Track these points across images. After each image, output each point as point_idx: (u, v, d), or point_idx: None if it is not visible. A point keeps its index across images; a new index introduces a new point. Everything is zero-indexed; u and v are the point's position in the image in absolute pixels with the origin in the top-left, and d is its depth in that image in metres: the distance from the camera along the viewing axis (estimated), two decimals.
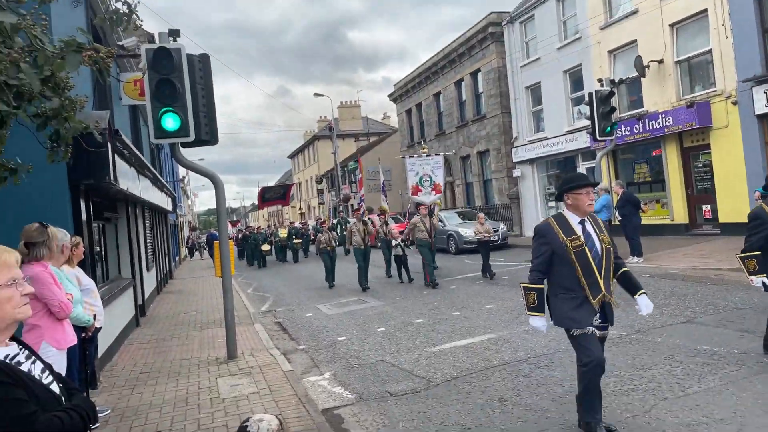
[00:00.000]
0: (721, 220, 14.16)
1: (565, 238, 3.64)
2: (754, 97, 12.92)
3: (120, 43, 9.72)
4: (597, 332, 3.67)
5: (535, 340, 6.41)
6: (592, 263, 3.61)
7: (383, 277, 13.90)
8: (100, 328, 5.17)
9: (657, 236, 14.90)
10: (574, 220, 3.71)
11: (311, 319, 9.43)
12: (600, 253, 3.65)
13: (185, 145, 6.68)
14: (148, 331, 9.41)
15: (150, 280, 13.19)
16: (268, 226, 28.52)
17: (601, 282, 3.63)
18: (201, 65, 6.61)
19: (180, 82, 6.28)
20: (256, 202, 29.82)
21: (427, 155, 14.89)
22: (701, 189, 15.05)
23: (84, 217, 6.47)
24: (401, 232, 13.78)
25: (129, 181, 8.11)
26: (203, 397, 5.33)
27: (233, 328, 6.76)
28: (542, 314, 3.83)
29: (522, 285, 3.96)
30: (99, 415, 4.92)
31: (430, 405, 4.72)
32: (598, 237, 3.69)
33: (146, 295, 11.66)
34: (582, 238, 3.63)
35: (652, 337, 5.99)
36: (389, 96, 35.38)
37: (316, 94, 37.99)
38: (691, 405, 4.11)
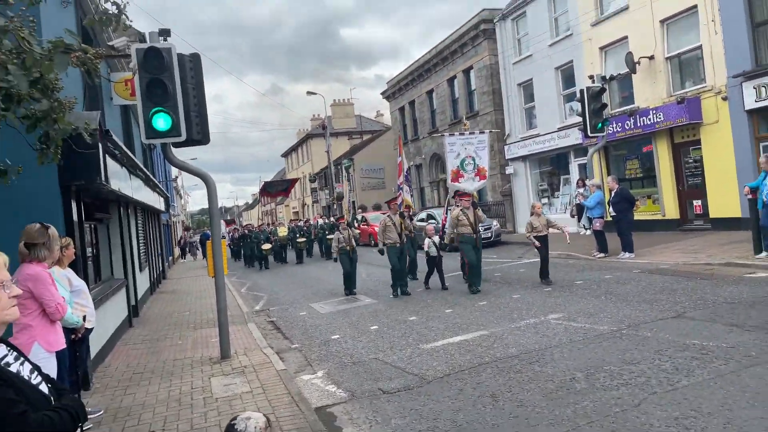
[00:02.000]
0: (712, 215, 14.27)
1: None
2: (744, 93, 13.01)
3: (110, 43, 9.69)
4: None
5: (526, 336, 6.46)
6: None
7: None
8: (92, 329, 5.17)
9: (648, 232, 14.99)
10: None
11: (305, 317, 9.45)
12: None
13: (177, 145, 6.68)
14: (141, 331, 9.40)
15: (143, 281, 13.16)
16: (268, 225, 26.44)
17: None
18: (192, 64, 6.61)
19: (171, 81, 6.28)
20: (258, 196, 29.19)
21: (470, 133, 11.85)
22: (692, 184, 15.16)
23: (75, 217, 6.45)
24: (437, 229, 12.31)
25: (120, 181, 8.09)
26: (196, 396, 5.34)
27: (226, 327, 6.77)
28: None
29: None
30: (92, 416, 4.93)
31: (423, 402, 4.75)
32: None
33: (139, 296, 11.64)
34: None
35: (643, 332, 6.05)
36: (382, 94, 35.40)
37: (309, 93, 38.02)
38: (680, 399, 4.16)
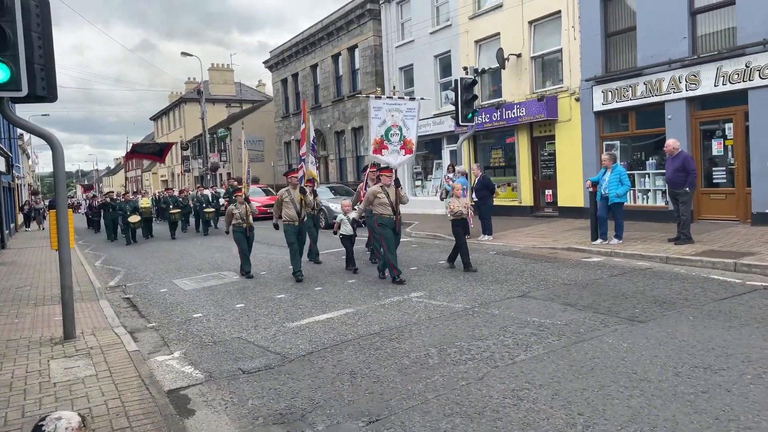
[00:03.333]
0: (560, 204, 15.82)
1: None
2: (594, 96, 14.48)
3: None
4: None
5: (389, 314, 6.72)
6: None
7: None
8: None
9: (506, 216, 16.26)
10: None
11: (165, 294, 8.96)
12: None
13: (17, 100, 5.92)
14: None
15: None
16: (135, 193, 23.05)
17: None
18: (39, 10, 5.84)
19: (11, 28, 5.52)
20: (124, 160, 26.06)
21: (399, 97, 10.16)
22: (545, 175, 16.64)
23: None
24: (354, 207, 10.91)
25: None
26: (31, 381, 4.86)
27: (71, 304, 6.20)
28: None
29: None
30: None
31: (282, 381, 4.76)
32: None
33: None
34: None
35: (492, 309, 6.57)
36: (265, 63, 34.16)
37: (184, 53, 35.40)
38: (517, 372, 4.60)
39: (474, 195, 12.92)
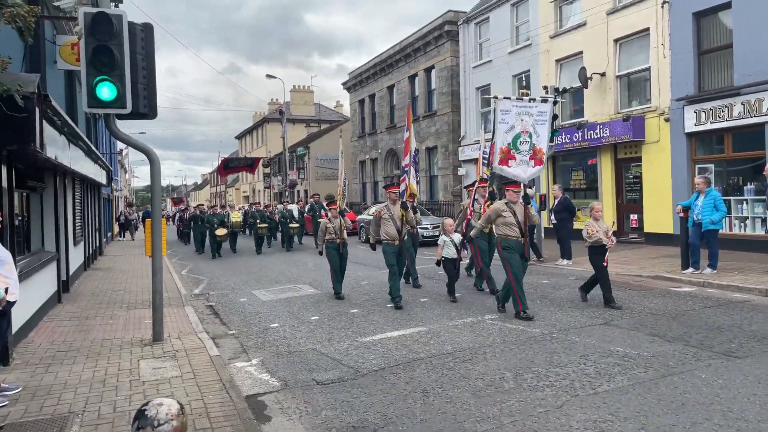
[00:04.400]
0: (646, 229, 14.99)
1: None
2: (685, 116, 13.71)
3: (56, 3, 9.17)
4: None
5: (462, 334, 6.60)
6: None
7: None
8: (14, 302, 4.91)
9: None
10: None
11: (245, 304, 9.30)
12: None
13: (121, 117, 6.43)
14: (70, 308, 9.01)
15: (77, 256, 12.61)
16: (222, 207, 23.15)
17: None
18: (143, 34, 6.36)
19: (119, 50, 6.03)
20: (217, 173, 27.07)
21: (530, 99, 8.23)
22: (630, 199, 15.86)
23: (5, 184, 6.10)
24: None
25: (58, 149, 7.70)
26: (122, 379, 5.18)
27: (161, 309, 6.58)
28: None
29: None
30: (8, 393, 4.70)
31: (355, 394, 4.78)
32: None
33: (71, 271, 11.14)
34: None
35: (571, 336, 6.29)
36: (343, 84, 35.18)
37: (269, 76, 37.14)
38: (599, 403, 4.35)
39: (553, 217, 12.53)
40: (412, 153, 9.66)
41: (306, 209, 21.02)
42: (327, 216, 9.84)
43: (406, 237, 8.99)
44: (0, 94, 3.41)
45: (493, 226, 7.93)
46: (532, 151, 8.13)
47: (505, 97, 8.15)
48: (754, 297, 8.09)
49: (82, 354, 6.08)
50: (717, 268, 9.69)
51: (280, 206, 21.35)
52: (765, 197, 11.06)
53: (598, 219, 8.02)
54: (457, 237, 8.99)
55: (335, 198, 11.89)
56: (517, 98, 8.21)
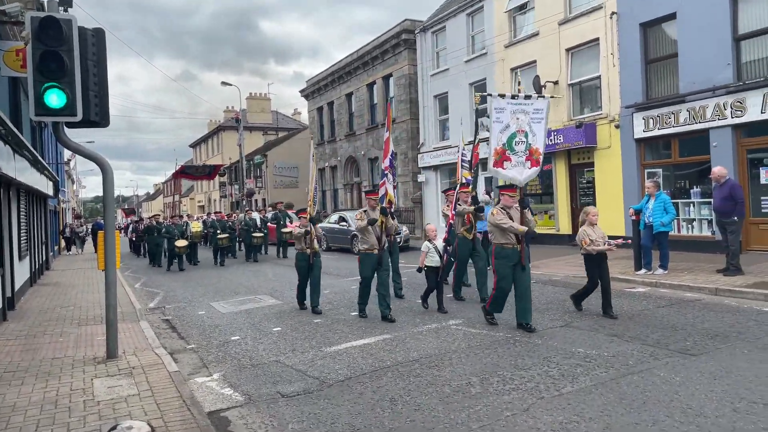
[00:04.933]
0: None
1: None
2: (634, 122, 14.24)
3: (1, 8, 8.74)
4: None
5: (427, 341, 6.60)
6: None
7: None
8: None
9: (544, 245, 15.95)
10: None
11: (203, 317, 9.04)
12: None
13: (71, 125, 6.16)
14: (16, 326, 8.54)
15: (22, 271, 11.99)
16: (180, 216, 21.46)
17: None
18: (95, 39, 6.13)
19: (69, 56, 5.79)
20: (172, 179, 25.51)
21: (525, 96, 7.56)
22: (584, 203, 16.28)
23: None
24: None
25: (2, 160, 7.33)
26: (75, 399, 4.92)
27: (115, 324, 6.30)
28: None
29: None
30: None
31: (322, 406, 4.70)
32: None
33: (17, 287, 10.59)
34: None
35: (534, 339, 6.38)
36: (301, 92, 34.97)
37: (224, 83, 36.48)
38: (564, 404, 4.42)
39: None
40: (390, 156, 8.96)
41: (270, 218, 20.29)
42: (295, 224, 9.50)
43: (386, 245, 8.37)
44: None
45: (489, 233, 7.46)
46: (528, 152, 7.52)
47: (499, 95, 7.54)
48: (705, 296, 8.43)
49: (30, 374, 5.76)
50: (668, 269, 10.07)
51: (242, 215, 20.25)
52: (711, 200, 11.58)
53: (594, 224, 7.65)
54: (440, 243, 8.45)
55: (293, 204, 11.59)
56: (512, 96, 7.56)
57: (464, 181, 10.04)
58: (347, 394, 4.95)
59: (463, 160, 10.66)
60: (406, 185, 24.81)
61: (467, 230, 9.20)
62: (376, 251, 8.11)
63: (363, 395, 4.89)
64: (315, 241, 9.03)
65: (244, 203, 39.38)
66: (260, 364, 6.08)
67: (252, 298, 10.57)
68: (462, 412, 4.36)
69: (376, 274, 8.14)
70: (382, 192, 8.51)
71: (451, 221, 8.81)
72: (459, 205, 9.14)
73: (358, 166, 28.95)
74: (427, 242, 8.52)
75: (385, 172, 8.68)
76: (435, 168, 22.41)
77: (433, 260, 8.33)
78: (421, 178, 23.17)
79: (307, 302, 9.14)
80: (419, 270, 8.61)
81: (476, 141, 9.72)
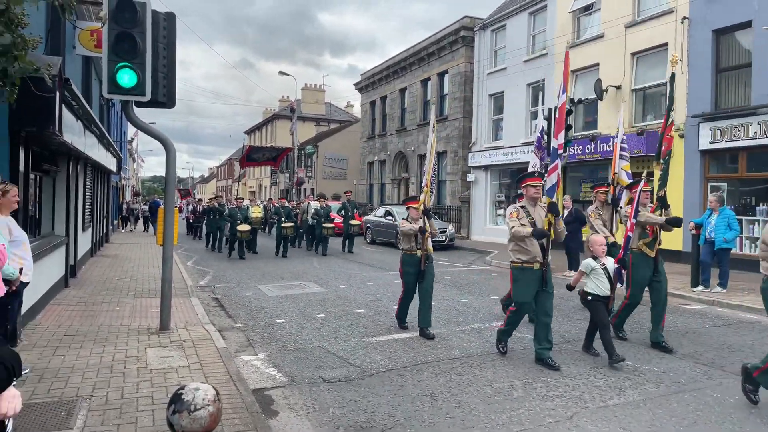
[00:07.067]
0: None
1: None
2: (700, 133, 13.62)
3: None
4: None
5: (470, 340, 6.55)
6: None
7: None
8: (27, 283, 4.91)
9: None
10: None
11: (251, 298, 9.28)
12: None
13: (139, 105, 6.42)
14: (77, 293, 9.01)
15: (85, 241, 12.63)
16: (238, 200, 19.71)
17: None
18: (166, 23, 6.37)
19: (142, 38, 6.03)
20: (239, 163, 23.58)
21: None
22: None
23: (21, 166, 6.11)
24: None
25: (74, 134, 7.72)
26: (130, 366, 5.16)
27: (169, 298, 6.56)
28: None
29: None
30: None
31: (362, 394, 4.75)
32: None
33: (79, 256, 11.16)
34: None
35: (580, 347, 6.23)
36: (355, 85, 35.18)
37: (282, 73, 37.25)
38: (610, 416, 4.30)
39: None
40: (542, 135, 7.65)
41: (338, 208, 17.76)
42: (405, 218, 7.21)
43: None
44: (30, 73, 3.41)
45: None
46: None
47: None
48: (765, 318, 8.00)
49: (89, 339, 6.07)
50: (727, 288, 9.61)
51: (313, 203, 17.77)
52: None
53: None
54: (611, 263, 6.06)
55: (415, 195, 8.52)
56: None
57: (624, 176, 8.23)
58: (388, 384, 4.98)
59: (622, 149, 8.68)
60: (455, 184, 24.63)
61: (648, 244, 6.73)
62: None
63: (403, 387, 4.91)
64: (429, 240, 6.93)
65: (294, 191, 40.10)
66: (304, 348, 6.19)
67: (297, 284, 10.76)
68: (503, 414, 4.32)
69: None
70: (553, 181, 5.89)
71: (629, 232, 6.53)
72: (640, 210, 6.82)
73: (406, 161, 28.92)
74: (590, 259, 6.03)
75: (559, 151, 6.31)
76: (485, 168, 22.13)
77: (603, 287, 5.92)
78: (470, 177, 22.94)
79: (410, 320, 7.19)
80: (574, 289, 6.28)
81: (670, 120, 7.23)
